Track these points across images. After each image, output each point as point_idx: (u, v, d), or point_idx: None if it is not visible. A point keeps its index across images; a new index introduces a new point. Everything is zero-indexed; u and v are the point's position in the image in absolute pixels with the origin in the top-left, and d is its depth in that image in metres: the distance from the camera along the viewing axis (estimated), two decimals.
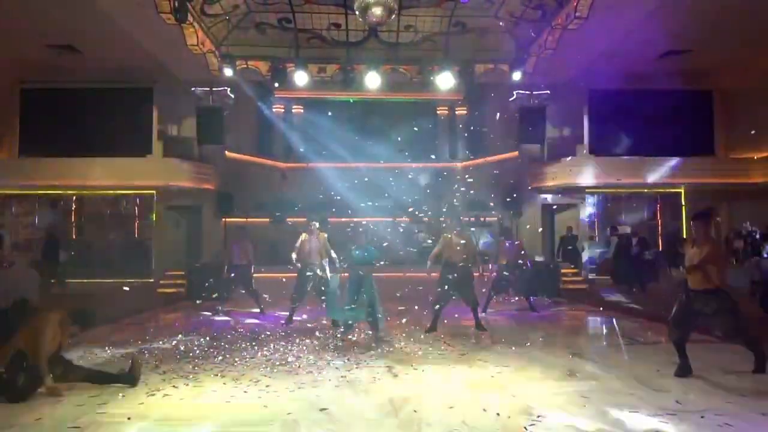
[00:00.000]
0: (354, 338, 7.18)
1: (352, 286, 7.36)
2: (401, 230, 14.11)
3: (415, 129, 17.33)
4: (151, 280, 13.87)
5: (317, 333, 7.58)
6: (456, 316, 8.36)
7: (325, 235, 8.44)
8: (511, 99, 14.64)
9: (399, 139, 17.60)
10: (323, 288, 8.10)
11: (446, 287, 7.61)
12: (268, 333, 7.63)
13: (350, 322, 7.42)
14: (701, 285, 5.04)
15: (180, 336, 7.43)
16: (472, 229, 13.57)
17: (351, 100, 16.24)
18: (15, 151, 14.91)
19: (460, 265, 7.60)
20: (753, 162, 14.51)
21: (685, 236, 14.27)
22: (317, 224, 8.53)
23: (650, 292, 11.68)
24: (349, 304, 7.27)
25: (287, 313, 8.59)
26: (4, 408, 4.23)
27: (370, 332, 7.37)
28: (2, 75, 14.29)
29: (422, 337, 7.24)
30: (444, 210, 14.22)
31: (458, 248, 7.61)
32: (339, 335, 7.27)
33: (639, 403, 4.24)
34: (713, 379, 4.95)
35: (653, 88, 14.71)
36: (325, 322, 8.38)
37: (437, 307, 7.63)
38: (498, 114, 16.03)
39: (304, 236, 8.37)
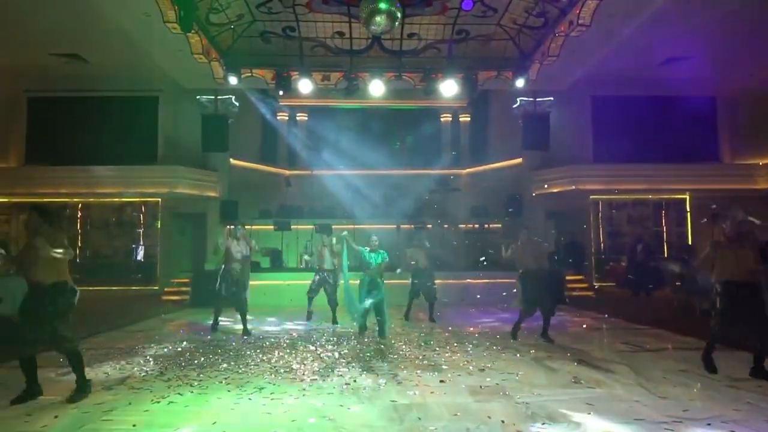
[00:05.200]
0: (358, 345, 7.18)
1: (364, 290, 7.53)
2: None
3: (419, 136, 17.45)
4: (157, 287, 13.91)
5: (322, 340, 7.59)
6: (460, 322, 8.34)
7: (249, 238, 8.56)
8: (514, 106, 14.68)
9: (403, 145, 17.71)
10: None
11: (529, 296, 7.42)
12: (273, 340, 7.63)
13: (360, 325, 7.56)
14: (743, 276, 5.05)
15: (185, 343, 7.44)
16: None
17: (355, 108, 16.31)
18: (21, 159, 15.04)
19: (536, 270, 7.42)
20: (758, 168, 14.48)
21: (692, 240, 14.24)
22: (240, 228, 8.56)
23: (655, 298, 11.64)
24: (361, 306, 7.38)
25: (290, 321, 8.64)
26: (9, 415, 4.25)
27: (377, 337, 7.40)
28: (9, 84, 14.46)
29: (425, 344, 7.24)
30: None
31: (534, 253, 7.48)
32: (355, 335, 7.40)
33: (644, 410, 4.23)
34: (719, 385, 4.92)
35: (656, 95, 14.75)
36: (331, 329, 8.40)
37: (522, 316, 7.51)
38: (501, 121, 16.09)
39: (223, 240, 8.46)
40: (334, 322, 9.13)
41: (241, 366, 5.93)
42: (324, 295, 9.35)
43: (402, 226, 14.12)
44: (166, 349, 6.99)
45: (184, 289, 12.82)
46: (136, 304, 11.69)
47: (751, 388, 4.82)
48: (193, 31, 10.34)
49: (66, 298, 4.62)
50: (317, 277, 9.45)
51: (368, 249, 7.72)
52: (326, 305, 9.32)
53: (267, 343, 7.35)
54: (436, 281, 9.71)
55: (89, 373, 5.62)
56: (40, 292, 4.51)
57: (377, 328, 7.64)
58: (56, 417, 4.19)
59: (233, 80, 12.17)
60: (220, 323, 8.60)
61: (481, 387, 5.00)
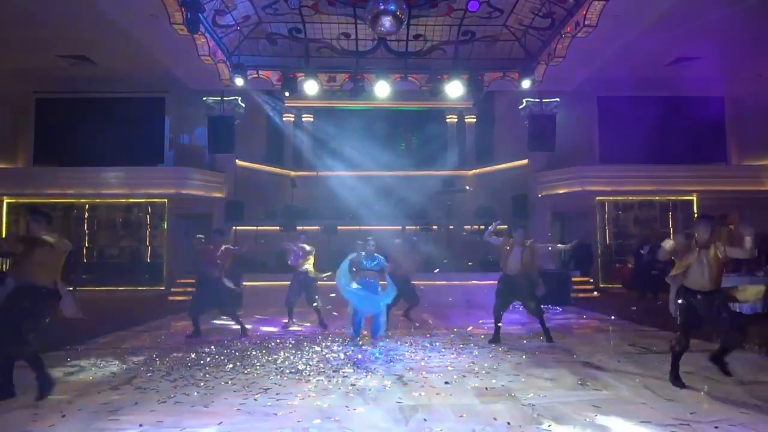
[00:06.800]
0: (364, 345, 7.18)
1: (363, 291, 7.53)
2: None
3: (425, 137, 17.44)
4: (163, 288, 13.97)
5: (327, 341, 7.59)
6: (467, 323, 8.33)
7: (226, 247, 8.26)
8: (520, 107, 14.66)
9: (408, 147, 17.72)
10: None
11: (502, 297, 7.48)
12: (278, 341, 7.64)
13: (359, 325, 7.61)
14: (710, 285, 4.96)
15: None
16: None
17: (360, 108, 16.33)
18: (29, 160, 15.16)
19: (516, 273, 7.38)
20: (766, 169, 14.39)
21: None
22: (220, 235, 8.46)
23: (662, 300, 11.58)
24: (363, 308, 7.47)
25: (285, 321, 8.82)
26: (16, 415, 4.28)
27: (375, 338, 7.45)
28: (17, 85, 14.57)
29: (430, 345, 7.23)
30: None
31: (513, 256, 7.40)
32: (351, 339, 7.46)
33: (651, 412, 4.20)
34: (727, 388, 4.89)
35: (664, 95, 14.68)
36: (335, 330, 8.42)
37: (497, 318, 7.52)
38: (507, 122, 16.07)
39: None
40: (322, 325, 8.81)
41: (246, 366, 5.94)
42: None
43: (407, 227, 14.10)
44: (172, 350, 7.02)
45: (189, 289, 12.83)
46: (143, 305, 11.74)
47: (759, 391, 4.78)
48: (199, 33, 10.39)
49: (42, 302, 4.63)
50: (294, 280, 9.13)
51: (364, 254, 7.70)
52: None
53: (272, 344, 7.37)
54: (441, 282, 9.69)
55: (96, 373, 5.68)
56: (26, 294, 4.54)
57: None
58: (64, 416, 4.21)
59: (239, 81, 12.23)
60: (222, 325, 8.64)
61: (486, 388, 4.99)
